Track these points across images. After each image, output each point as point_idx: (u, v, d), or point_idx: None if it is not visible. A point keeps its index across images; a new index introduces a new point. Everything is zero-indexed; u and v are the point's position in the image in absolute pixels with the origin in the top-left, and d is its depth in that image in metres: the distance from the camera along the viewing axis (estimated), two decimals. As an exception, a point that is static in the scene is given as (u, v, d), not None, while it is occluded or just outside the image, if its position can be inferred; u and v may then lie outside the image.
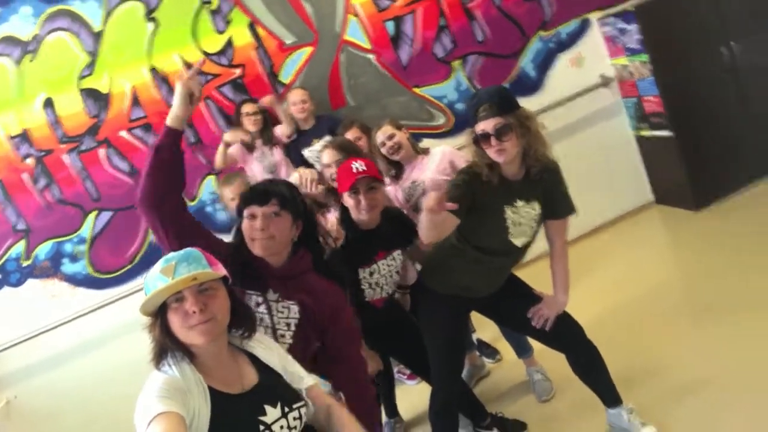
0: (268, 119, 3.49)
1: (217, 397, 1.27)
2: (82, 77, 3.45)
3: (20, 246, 3.50)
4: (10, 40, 3.39)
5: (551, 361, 2.60)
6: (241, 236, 1.74)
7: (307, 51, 3.73)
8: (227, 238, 1.84)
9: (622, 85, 4.10)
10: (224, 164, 3.44)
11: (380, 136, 2.68)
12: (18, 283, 3.51)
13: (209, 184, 3.67)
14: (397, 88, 3.87)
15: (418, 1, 3.80)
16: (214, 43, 3.58)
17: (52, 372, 3.52)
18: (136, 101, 3.52)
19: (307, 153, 3.38)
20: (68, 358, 3.54)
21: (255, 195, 1.73)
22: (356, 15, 3.75)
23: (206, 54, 3.58)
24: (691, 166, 3.84)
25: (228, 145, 3.42)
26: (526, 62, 4.03)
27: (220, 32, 3.59)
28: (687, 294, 3.16)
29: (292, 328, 1.73)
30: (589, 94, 4.10)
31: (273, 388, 1.38)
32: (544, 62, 4.07)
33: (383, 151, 2.67)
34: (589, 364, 2.22)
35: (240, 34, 3.61)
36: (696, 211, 3.90)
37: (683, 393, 2.36)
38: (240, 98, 3.60)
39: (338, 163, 2.45)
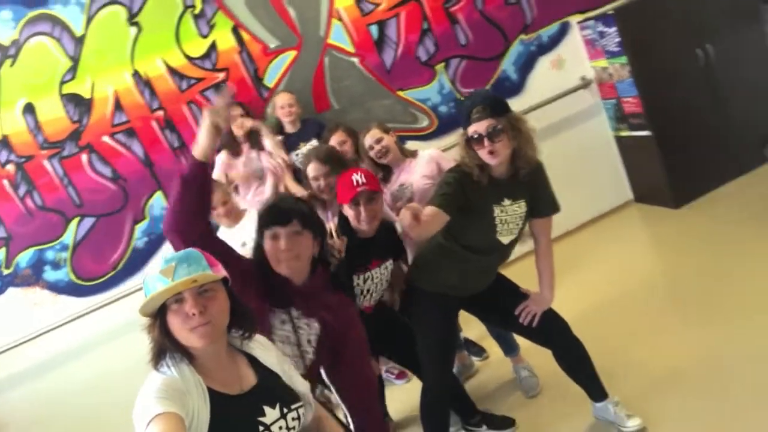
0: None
1: (216, 398, 1.27)
2: (63, 82, 3.42)
3: (0, 254, 3.44)
4: (-10, 45, 3.35)
5: (537, 357, 2.64)
6: (261, 254, 1.75)
7: (291, 55, 3.74)
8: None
9: (601, 87, 4.18)
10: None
11: (368, 139, 2.71)
12: (-1, 292, 3.45)
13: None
14: (381, 91, 3.90)
15: (402, 5, 3.84)
16: (198, 47, 3.58)
17: (35, 381, 3.47)
18: (118, 106, 3.50)
19: (294, 157, 3.38)
20: (51, 367, 3.49)
21: (276, 215, 1.75)
22: (340, 19, 3.77)
23: (189, 58, 3.57)
24: (669, 165, 3.93)
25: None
26: (508, 65, 4.09)
27: (204, 36, 3.58)
28: (668, 290, 3.22)
29: (313, 344, 1.77)
30: (569, 96, 4.17)
31: (272, 389, 1.38)
32: (526, 65, 4.13)
33: (371, 154, 2.71)
34: (575, 359, 2.26)
35: (223, 38, 3.61)
36: (675, 209, 3.98)
37: (665, 385, 2.41)
38: (224, 102, 3.60)
39: (325, 176, 2.51)
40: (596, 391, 2.29)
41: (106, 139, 3.50)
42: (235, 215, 2.87)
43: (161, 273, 1.24)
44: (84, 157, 3.48)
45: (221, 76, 3.63)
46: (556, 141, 4.12)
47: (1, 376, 3.43)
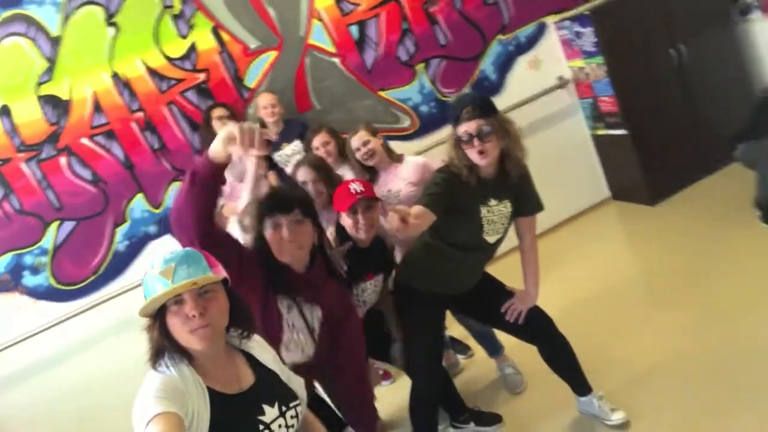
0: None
1: (216, 398, 1.27)
2: (40, 83, 3.36)
3: (-23, 259, 3.38)
4: (-38, 46, 3.27)
5: (522, 355, 2.70)
6: (263, 241, 1.76)
7: (271, 55, 3.73)
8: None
9: (578, 87, 4.26)
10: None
11: (355, 141, 2.72)
12: (-24, 298, 3.38)
13: (175, 190, 3.60)
14: (362, 91, 3.91)
15: (382, 5, 3.86)
16: (178, 47, 3.54)
17: (19, 386, 3.41)
18: (97, 107, 3.45)
19: (277, 156, 3.38)
20: (35, 372, 3.43)
21: (278, 203, 1.77)
22: (320, 19, 3.77)
23: (169, 59, 3.53)
24: (645, 162, 4.02)
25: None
26: (486, 65, 4.14)
27: (183, 37, 3.55)
28: (647, 286, 3.31)
29: (317, 330, 1.82)
30: (547, 96, 4.24)
31: (270, 388, 1.39)
32: (504, 65, 4.18)
33: (357, 156, 2.72)
34: (560, 355, 2.31)
35: (203, 38, 3.58)
36: (651, 206, 4.08)
37: (647, 379, 2.48)
38: (205, 103, 3.58)
39: (314, 181, 2.53)
40: (580, 386, 2.35)
41: (85, 141, 3.45)
42: (220, 222, 2.86)
43: (161, 274, 1.24)
44: (63, 159, 3.43)
45: (201, 76, 3.61)
46: (534, 140, 4.13)
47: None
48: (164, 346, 1.27)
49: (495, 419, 2.55)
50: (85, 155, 3.46)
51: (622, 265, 3.59)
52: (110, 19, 3.41)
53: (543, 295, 2.34)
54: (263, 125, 3.47)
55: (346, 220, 2.16)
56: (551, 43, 4.24)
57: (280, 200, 1.78)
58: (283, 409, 1.37)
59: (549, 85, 4.25)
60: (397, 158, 2.81)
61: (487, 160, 1.99)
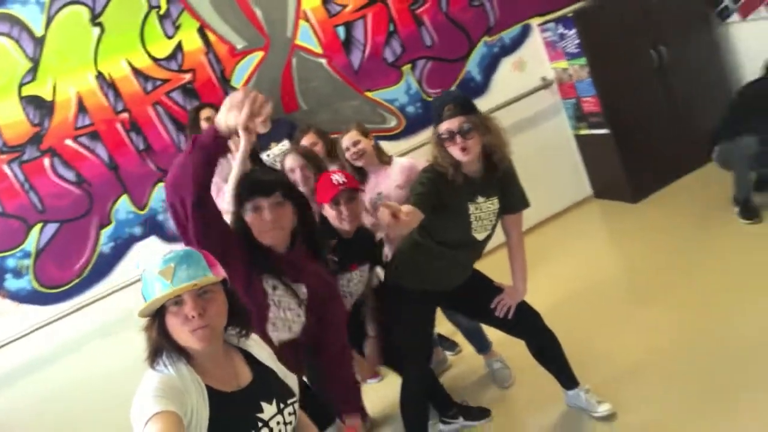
0: None
1: (215, 396, 1.28)
2: (22, 84, 3.31)
3: (-41, 263, 3.32)
4: (-57, 46, 3.22)
5: (510, 350, 2.74)
6: (242, 224, 1.77)
7: (258, 56, 3.72)
8: (179, 246, 1.73)
9: (561, 87, 4.33)
10: None
11: (346, 140, 2.74)
12: (-43, 302, 3.33)
13: (161, 191, 3.59)
14: (349, 92, 3.93)
15: (368, 6, 3.88)
16: (163, 48, 3.52)
17: (1, 392, 3.35)
18: (82, 108, 3.41)
19: (265, 157, 3.37)
20: (17, 377, 3.38)
21: (258, 186, 1.76)
22: (307, 20, 3.78)
23: (155, 60, 3.51)
24: (627, 161, 4.10)
25: None
26: (472, 66, 4.18)
27: (169, 37, 3.53)
28: (629, 281, 3.38)
29: (303, 307, 1.83)
30: (531, 96, 4.29)
31: (268, 385, 1.40)
32: (489, 66, 4.23)
33: (347, 156, 2.74)
34: (548, 349, 2.36)
35: (189, 38, 3.57)
36: (633, 204, 4.16)
37: (632, 371, 2.54)
38: (191, 104, 3.56)
39: (301, 168, 2.54)
40: (568, 379, 2.39)
41: (69, 142, 3.41)
42: None
43: (160, 273, 1.23)
44: (46, 161, 3.38)
45: (187, 77, 3.59)
46: (519, 140, 4.16)
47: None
48: (162, 345, 1.27)
49: (483, 413, 2.58)
50: (69, 156, 3.42)
51: (605, 262, 3.65)
52: (95, 19, 3.38)
53: (528, 292, 2.37)
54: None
55: (329, 212, 2.18)
56: (535, 44, 4.30)
57: (260, 183, 1.78)
58: (281, 406, 1.38)
59: (533, 85, 4.31)
60: (387, 160, 2.83)
61: (469, 157, 2.02)
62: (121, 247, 3.57)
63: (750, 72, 3.88)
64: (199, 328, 1.24)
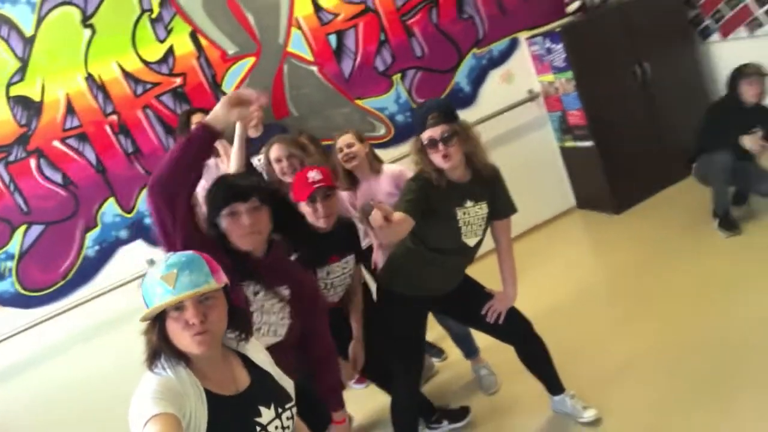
0: None
1: (213, 400, 1.27)
2: (10, 84, 3.28)
3: (-60, 264, 3.26)
4: (-70, 44, 3.18)
5: (496, 356, 2.77)
6: (218, 231, 1.76)
7: (249, 61, 3.74)
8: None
9: (547, 100, 4.41)
10: None
11: (340, 142, 2.78)
12: (-62, 305, 3.27)
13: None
14: (339, 99, 3.95)
15: (360, 16, 3.92)
16: (155, 51, 3.52)
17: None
18: (70, 109, 3.39)
19: (256, 162, 3.37)
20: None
21: (235, 192, 1.75)
22: (299, 28, 3.81)
23: (146, 63, 3.50)
24: (611, 173, 4.19)
25: None
26: (461, 77, 4.24)
27: (161, 41, 3.52)
28: (611, 289, 3.44)
29: (287, 308, 1.84)
30: (517, 108, 4.37)
31: (266, 389, 1.40)
32: (478, 78, 4.30)
33: (339, 156, 2.77)
34: (537, 355, 2.39)
35: (181, 43, 3.57)
36: (616, 215, 4.24)
37: (616, 377, 2.60)
38: (181, 108, 3.56)
39: (288, 157, 2.56)
40: (554, 385, 2.43)
41: (56, 143, 3.38)
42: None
43: (162, 278, 1.22)
44: (32, 162, 3.35)
45: (178, 81, 3.59)
46: (505, 151, 4.27)
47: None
48: (162, 348, 1.26)
49: (464, 413, 2.62)
50: (56, 158, 3.39)
51: (588, 271, 3.72)
52: (86, 21, 3.37)
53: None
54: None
55: (306, 209, 2.18)
56: (523, 57, 4.38)
57: (237, 188, 1.77)
58: (279, 410, 1.38)
59: (520, 98, 4.38)
60: (377, 169, 2.85)
61: (450, 163, 2.07)
62: (107, 250, 3.54)
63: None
64: (199, 334, 1.24)
